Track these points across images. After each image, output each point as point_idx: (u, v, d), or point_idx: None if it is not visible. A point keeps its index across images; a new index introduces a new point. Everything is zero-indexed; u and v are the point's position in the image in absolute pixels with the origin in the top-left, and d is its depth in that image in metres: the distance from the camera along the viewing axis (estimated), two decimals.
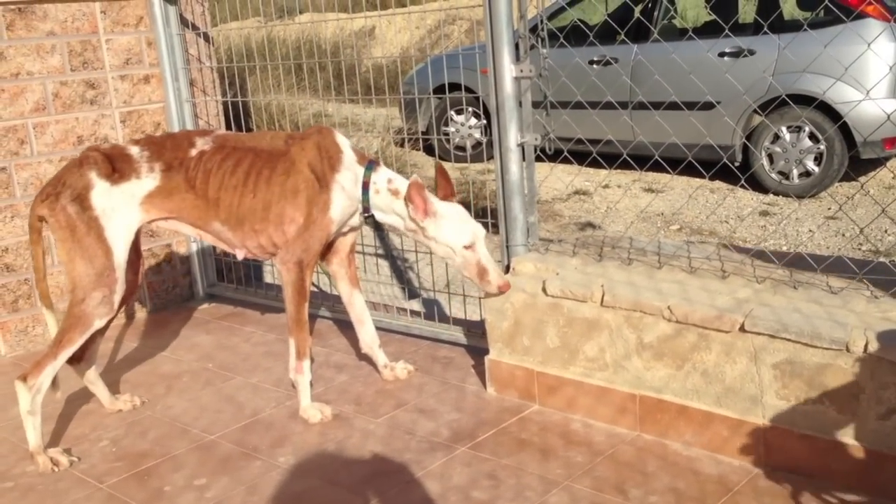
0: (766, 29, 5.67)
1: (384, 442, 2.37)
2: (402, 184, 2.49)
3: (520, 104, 2.61)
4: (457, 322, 3.07)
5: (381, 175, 2.51)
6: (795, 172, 6.14)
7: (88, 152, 2.45)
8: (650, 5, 6.81)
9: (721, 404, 2.18)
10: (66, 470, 2.32)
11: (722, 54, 6.11)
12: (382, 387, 2.73)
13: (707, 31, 6.88)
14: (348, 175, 2.49)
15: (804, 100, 5.71)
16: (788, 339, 2.03)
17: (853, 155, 5.94)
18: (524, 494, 2.06)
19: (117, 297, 2.41)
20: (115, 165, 2.42)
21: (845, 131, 5.84)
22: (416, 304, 3.86)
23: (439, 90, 7.35)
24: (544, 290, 2.45)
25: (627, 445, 2.27)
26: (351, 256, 2.76)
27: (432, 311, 3.47)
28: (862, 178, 6.36)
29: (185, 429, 2.54)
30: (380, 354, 2.80)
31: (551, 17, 7.17)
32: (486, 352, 2.65)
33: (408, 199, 2.41)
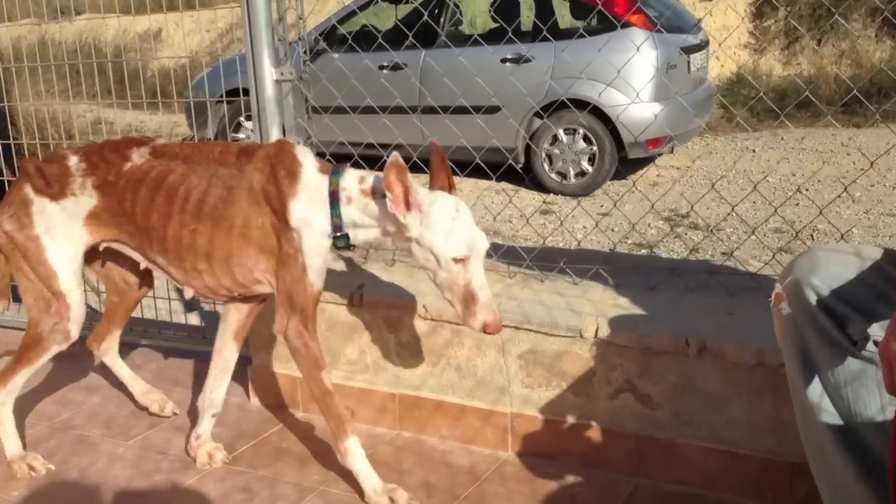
0: (546, 34, 5.95)
1: (133, 464, 2.24)
2: (378, 182, 1.90)
3: (287, 106, 2.57)
4: None
5: (350, 177, 1.92)
6: (572, 172, 6.51)
7: (25, 164, 2.12)
8: (437, 11, 6.97)
9: (473, 397, 2.25)
10: None
11: (504, 60, 6.36)
12: (136, 407, 2.59)
13: (492, 37, 7.13)
14: (307, 197, 1.92)
15: (578, 104, 6.05)
16: (531, 330, 2.12)
17: (622, 155, 6.36)
18: None
19: (73, 325, 2.11)
20: (52, 179, 2.06)
21: (615, 133, 6.25)
22: (194, 318, 3.70)
23: (232, 94, 7.15)
24: None
25: (386, 445, 2.29)
26: (260, 304, 2.24)
27: (215, 323, 3.32)
28: (632, 177, 6.83)
29: None
30: (207, 423, 2.27)
31: (341, 20, 7.17)
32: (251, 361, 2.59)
33: (385, 187, 1.79)
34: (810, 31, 9.30)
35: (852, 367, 1.33)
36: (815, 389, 1.37)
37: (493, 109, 5.87)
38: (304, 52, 2.57)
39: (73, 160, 2.08)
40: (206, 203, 1.97)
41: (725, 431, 1.95)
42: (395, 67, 6.41)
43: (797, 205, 5.77)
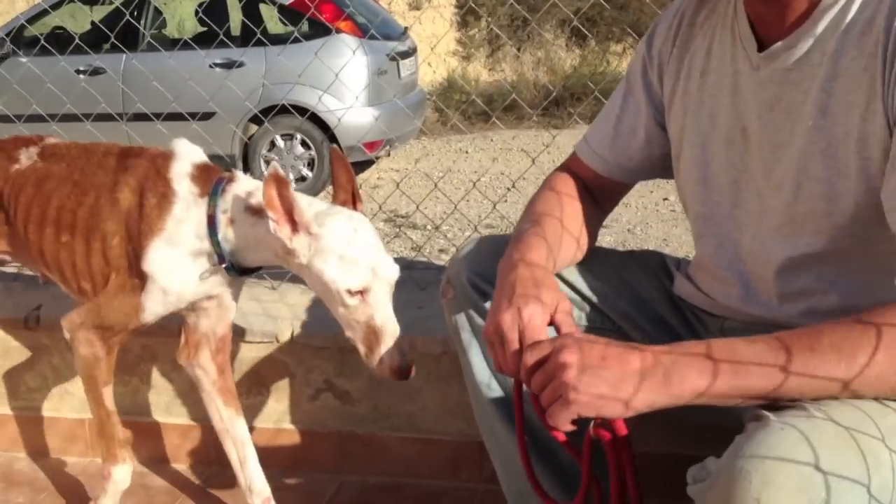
0: (262, 38, 5.86)
1: None
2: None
3: None
4: None
5: (233, 194, 1.57)
6: (292, 177, 6.49)
7: None
8: (137, 14, 6.63)
9: (172, 413, 2.16)
10: None
11: (214, 65, 6.19)
12: None
13: (201, 41, 6.91)
14: (170, 238, 1.59)
15: (294, 109, 6.03)
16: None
17: None
18: None
19: None
20: None
21: (333, 138, 6.32)
22: None
23: None
24: None
25: (79, 473, 2.14)
26: (223, 353, 1.82)
27: None
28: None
29: None
30: None
31: (31, 20, 6.60)
32: None
33: (265, 206, 1.43)
34: (511, 40, 10.02)
35: None
36: (483, 370, 1.45)
37: (207, 116, 5.70)
38: None
39: None
40: (78, 215, 1.66)
41: (420, 419, 2.03)
42: (95, 72, 6.02)
43: (506, 201, 6.20)
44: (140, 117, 5.52)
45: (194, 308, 1.73)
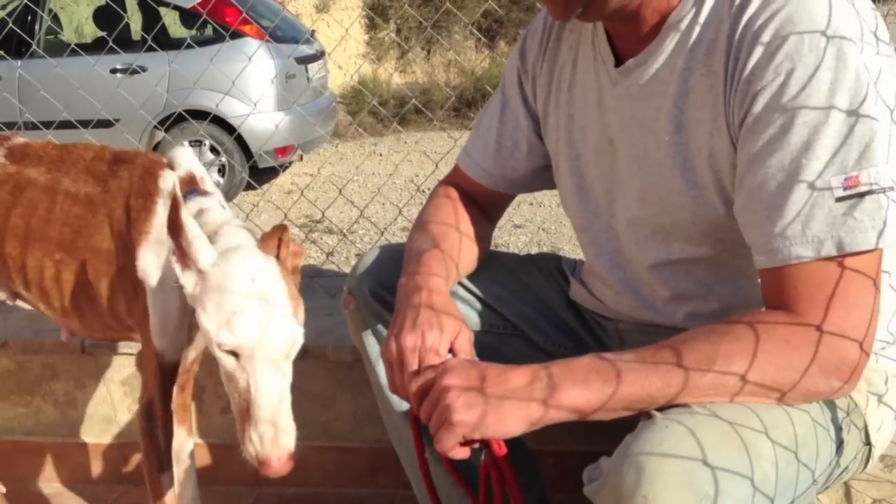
0: (154, 44, 5.73)
1: None
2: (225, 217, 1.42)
3: None
4: None
5: (194, 205, 1.42)
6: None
7: None
8: (31, 18, 6.39)
9: (78, 433, 2.10)
10: None
11: (114, 70, 6.02)
12: None
13: (100, 46, 6.72)
14: (158, 239, 1.45)
15: (202, 114, 5.92)
16: (130, 354, 2.03)
17: (252, 165, 6.36)
18: None
19: None
20: None
21: (243, 143, 6.22)
22: None
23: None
24: None
25: None
26: (190, 372, 1.75)
27: None
28: (265, 186, 6.86)
29: None
30: None
31: None
32: None
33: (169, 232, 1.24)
34: (419, 42, 10.05)
35: None
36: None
37: (109, 123, 5.54)
38: None
39: None
40: (70, 226, 1.51)
41: (335, 428, 2.03)
42: None
43: (421, 203, 6.20)
44: (43, 124, 5.38)
45: None
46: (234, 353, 1.18)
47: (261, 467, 1.15)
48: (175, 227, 1.21)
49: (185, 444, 1.74)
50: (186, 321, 1.49)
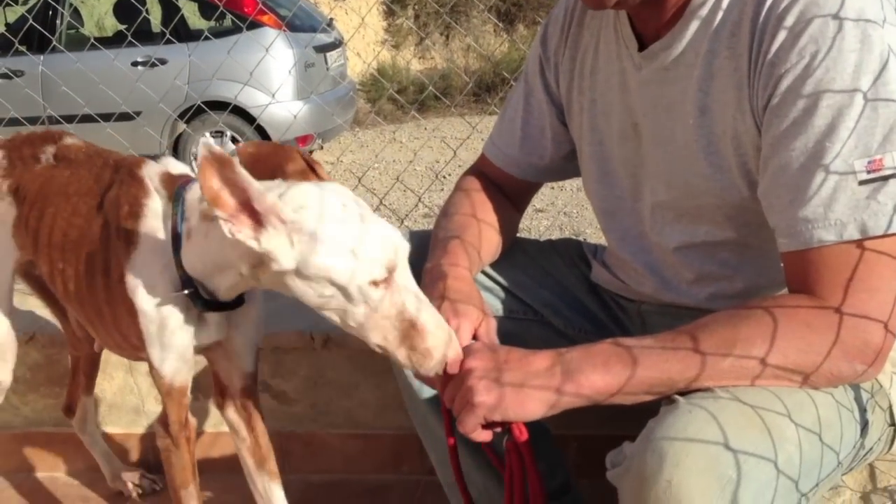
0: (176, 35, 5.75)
1: None
2: None
3: None
4: None
5: (193, 198, 1.25)
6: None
7: None
8: (52, 13, 6.44)
9: (106, 422, 2.13)
10: None
11: (136, 63, 6.05)
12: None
13: (121, 39, 6.76)
14: (147, 250, 1.29)
15: (222, 105, 5.96)
16: None
17: None
18: None
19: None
20: None
21: (264, 133, 6.25)
22: None
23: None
24: None
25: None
26: (247, 408, 1.53)
27: None
28: None
29: None
30: None
31: None
32: None
33: (207, 199, 1.03)
34: (437, 28, 10.03)
35: None
36: None
37: (133, 115, 5.59)
38: None
39: None
40: (68, 235, 1.40)
41: (359, 415, 2.05)
42: (13, 74, 5.85)
43: (442, 190, 6.21)
44: (66, 119, 5.44)
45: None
46: (381, 282, 1.06)
47: (452, 366, 1.07)
48: (234, 189, 1.03)
49: (271, 487, 1.63)
50: (192, 340, 1.35)
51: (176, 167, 1.36)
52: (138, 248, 1.29)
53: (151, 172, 1.33)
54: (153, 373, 1.37)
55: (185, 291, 1.25)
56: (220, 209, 1.03)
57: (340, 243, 1.05)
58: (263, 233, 1.05)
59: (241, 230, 1.04)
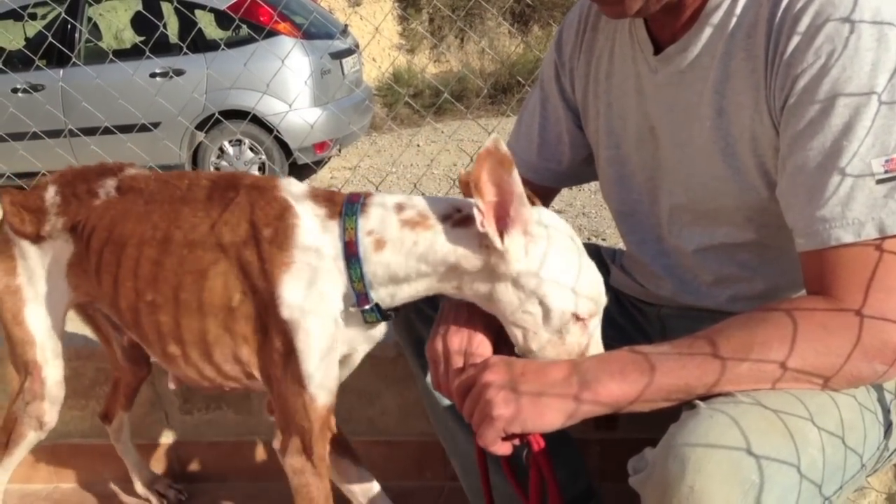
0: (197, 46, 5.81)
1: None
2: (430, 205, 1.21)
3: None
4: None
5: (378, 212, 1.23)
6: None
7: (2, 196, 1.59)
8: (70, 28, 6.52)
9: (132, 433, 2.15)
10: None
11: (154, 75, 6.11)
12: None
13: (140, 51, 6.83)
14: (306, 268, 1.25)
15: (240, 114, 6.00)
16: None
17: (292, 162, 6.42)
18: None
19: (47, 407, 1.65)
20: (29, 216, 1.54)
21: (281, 141, 6.29)
22: None
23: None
24: None
25: (43, 501, 2.12)
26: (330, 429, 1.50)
27: None
28: (305, 181, 6.92)
29: None
30: None
31: None
32: None
33: (474, 189, 1.07)
34: (452, 31, 10.04)
35: None
36: None
37: (152, 126, 5.64)
38: None
39: (50, 192, 1.55)
40: (163, 266, 1.36)
41: (381, 422, 2.05)
42: (33, 89, 5.92)
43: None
44: (86, 132, 5.50)
45: None
46: (582, 319, 1.13)
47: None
48: (501, 189, 1.08)
49: (356, 470, 1.66)
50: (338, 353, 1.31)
51: (300, 186, 1.33)
52: (292, 268, 1.25)
53: (294, 191, 1.30)
54: (293, 402, 1.30)
55: (365, 307, 1.24)
56: (482, 198, 1.07)
57: (565, 272, 1.13)
58: (509, 233, 1.10)
59: (490, 225, 1.09)
